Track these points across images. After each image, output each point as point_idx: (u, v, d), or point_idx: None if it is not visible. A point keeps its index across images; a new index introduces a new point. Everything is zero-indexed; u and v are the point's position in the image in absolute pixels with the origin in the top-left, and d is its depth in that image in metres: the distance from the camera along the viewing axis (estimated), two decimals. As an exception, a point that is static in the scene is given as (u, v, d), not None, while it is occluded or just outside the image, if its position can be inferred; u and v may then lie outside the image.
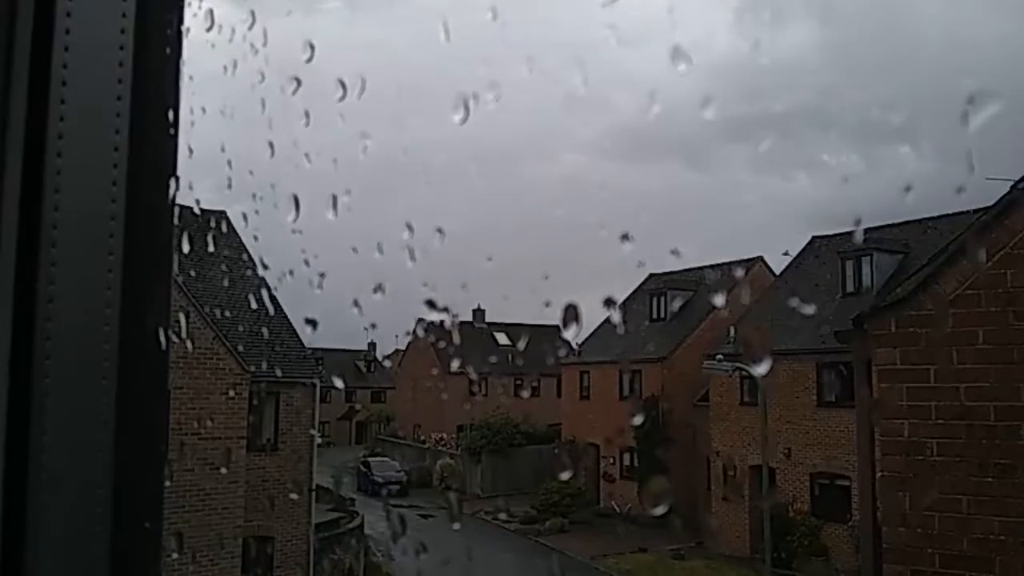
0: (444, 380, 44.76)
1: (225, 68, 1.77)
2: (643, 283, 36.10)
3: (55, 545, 0.79)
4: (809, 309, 27.78)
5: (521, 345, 48.24)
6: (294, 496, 19.35)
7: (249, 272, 20.93)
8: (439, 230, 1.78)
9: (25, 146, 0.82)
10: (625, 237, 1.85)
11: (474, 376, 46.17)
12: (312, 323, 1.51)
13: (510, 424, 39.95)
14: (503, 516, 32.16)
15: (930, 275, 4.81)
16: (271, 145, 1.71)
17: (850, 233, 27.64)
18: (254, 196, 2.29)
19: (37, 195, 0.82)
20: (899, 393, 4.64)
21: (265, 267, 2.24)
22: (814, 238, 30.23)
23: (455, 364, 48.07)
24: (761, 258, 34.33)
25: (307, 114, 1.72)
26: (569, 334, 1.42)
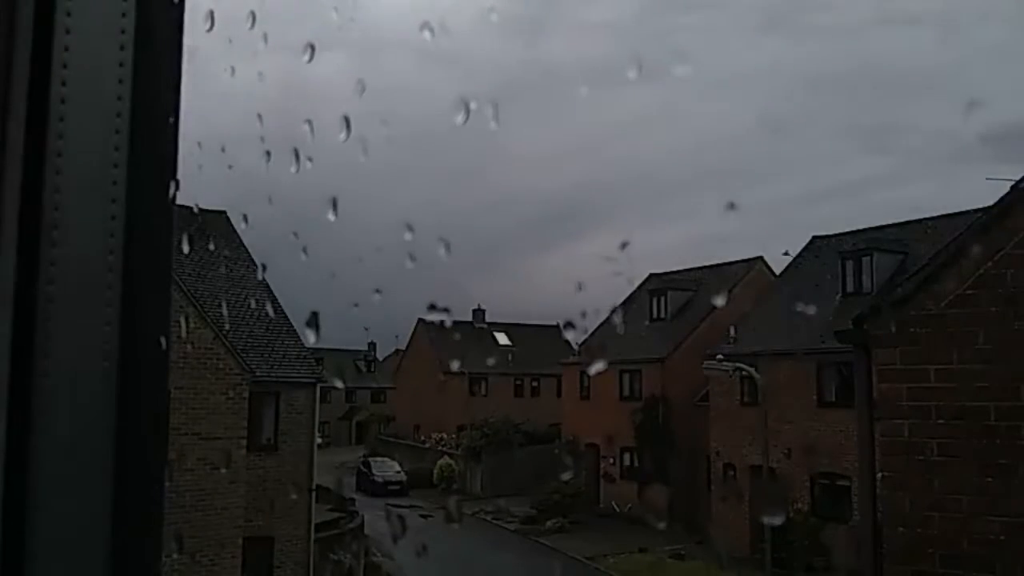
0: (444, 380, 44.76)
1: (224, 70, 1.77)
2: (643, 283, 36.12)
3: (55, 545, 0.79)
4: (810, 310, 27.73)
5: (520, 345, 48.24)
6: (294, 496, 19.35)
7: (249, 272, 20.91)
8: (443, 240, 1.77)
9: (25, 146, 0.82)
10: (624, 245, 1.86)
11: (474, 376, 46.19)
12: (312, 324, 1.51)
13: (510, 424, 39.95)
14: (503, 516, 32.17)
15: (930, 275, 4.81)
16: (268, 153, 1.71)
17: (850, 233, 27.64)
18: (254, 195, 2.29)
19: (37, 195, 0.82)
20: (899, 393, 4.64)
21: (264, 268, 2.25)
22: (814, 238, 30.24)
23: (455, 364, 48.09)
24: (761, 258, 34.38)
25: (310, 123, 1.72)
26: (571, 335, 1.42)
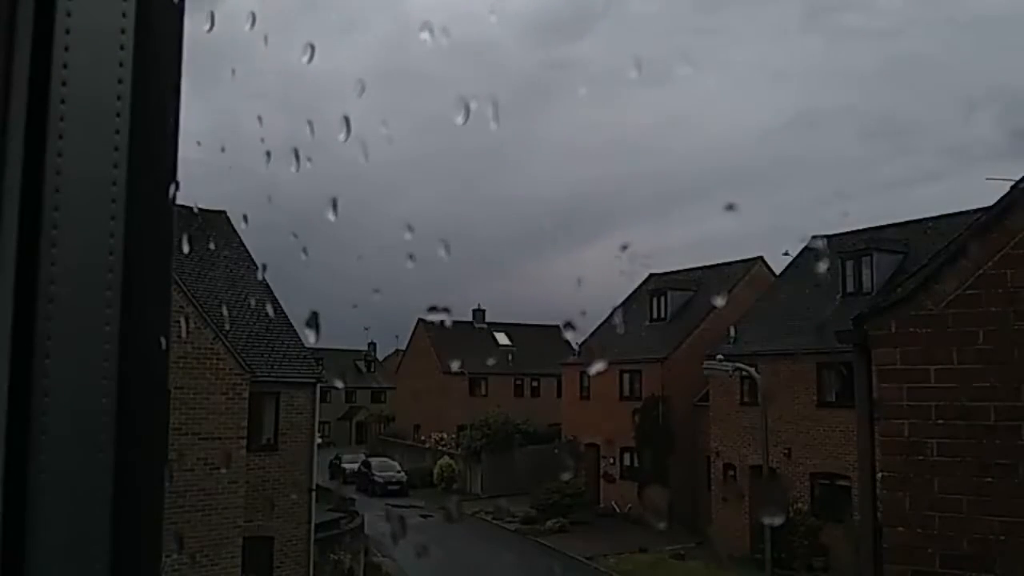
0: (444, 380, 44.73)
1: (225, 70, 1.77)
2: (643, 283, 36.12)
3: (55, 546, 0.79)
4: (810, 310, 27.70)
5: (520, 345, 48.23)
6: (294, 496, 19.36)
7: (249, 272, 20.89)
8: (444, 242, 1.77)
9: (25, 146, 0.82)
10: (624, 247, 1.88)
11: (474, 376, 46.20)
12: (312, 324, 1.51)
13: (510, 424, 39.95)
14: (503, 516, 32.17)
15: (930, 275, 4.80)
16: (268, 154, 1.72)
17: (850, 233, 27.62)
18: (253, 195, 2.29)
19: (37, 195, 0.82)
20: (899, 393, 4.64)
21: (264, 268, 2.25)
22: (814, 238, 30.30)
23: (455, 364, 48.09)
24: (761, 258, 34.38)
25: (310, 123, 1.72)
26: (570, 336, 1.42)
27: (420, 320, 46.14)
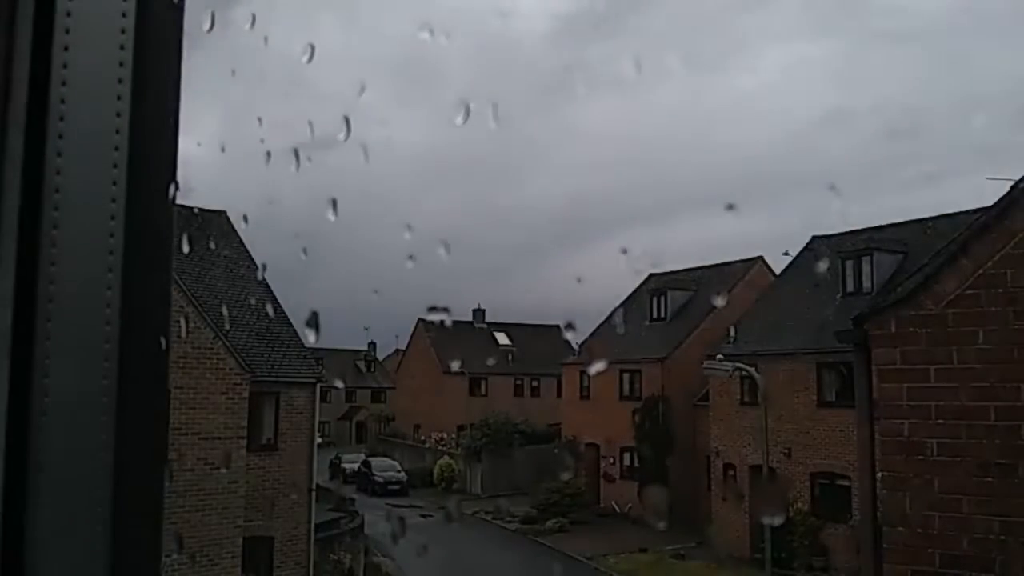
0: (444, 380, 44.73)
1: (225, 71, 1.77)
2: (643, 283, 36.11)
3: (55, 545, 0.79)
4: (810, 310, 27.69)
5: (520, 345, 48.23)
6: (294, 496, 19.36)
7: (249, 272, 20.88)
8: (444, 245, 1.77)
9: (25, 146, 0.82)
10: (624, 251, 1.88)
11: (474, 376, 46.21)
12: (312, 324, 1.51)
13: (510, 424, 39.95)
14: (503, 516, 32.17)
15: (930, 275, 4.80)
16: (268, 154, 1.72)
17: (850, 233, 27.63)
18: (253, 197, 2.28)
19: (37, 195, 0.82)
20: (899, 393, 4.64)
21: (264, 268, 2.25)
22: (814, 238, 30.24)
23: (455, 364, 48.09)
24: (761, 258, 34.36)
25: (310, 124, 1.72)
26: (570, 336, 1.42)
27: (420, 320, 46.21)
